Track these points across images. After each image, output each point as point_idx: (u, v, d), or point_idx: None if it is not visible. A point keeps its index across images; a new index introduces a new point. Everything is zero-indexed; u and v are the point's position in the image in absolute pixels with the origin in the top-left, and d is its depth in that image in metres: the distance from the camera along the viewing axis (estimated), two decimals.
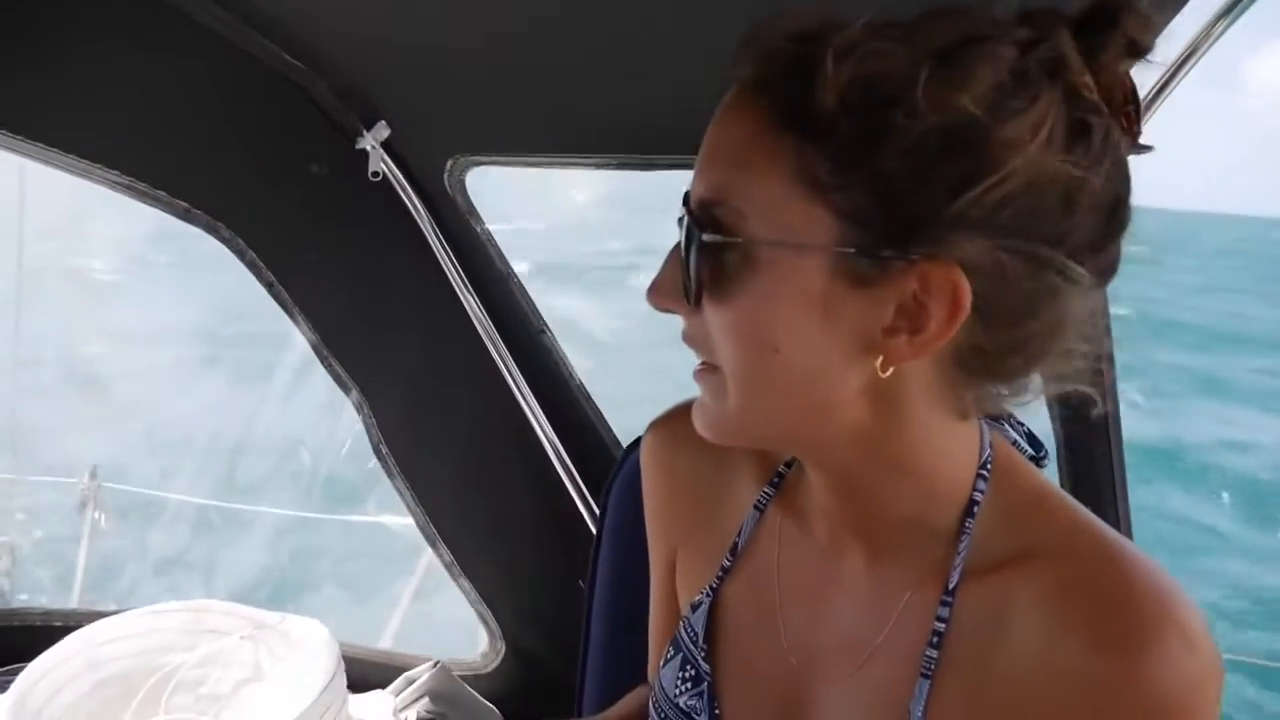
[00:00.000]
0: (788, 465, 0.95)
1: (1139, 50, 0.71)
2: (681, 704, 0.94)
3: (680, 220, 0.77)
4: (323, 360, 1.76)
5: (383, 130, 1.61)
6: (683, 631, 0.97)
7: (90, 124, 1.51)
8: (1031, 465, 0.87)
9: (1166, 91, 1.33)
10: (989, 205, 0.68)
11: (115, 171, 1.53)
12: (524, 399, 1.75)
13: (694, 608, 0.96)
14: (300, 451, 9.72)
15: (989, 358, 0.74)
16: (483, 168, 1.68)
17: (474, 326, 1.72)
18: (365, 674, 1.85)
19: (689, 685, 0.94)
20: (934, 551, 0.82)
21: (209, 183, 1.61)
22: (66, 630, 1.61)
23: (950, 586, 0.80)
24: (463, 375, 1.79)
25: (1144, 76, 0.76)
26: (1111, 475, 1.55)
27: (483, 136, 1.64)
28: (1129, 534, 1.58)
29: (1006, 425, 0.91)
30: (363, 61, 1.57)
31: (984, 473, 0.82)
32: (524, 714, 1.88)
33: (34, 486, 6.50)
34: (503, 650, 1.92)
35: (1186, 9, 1.22)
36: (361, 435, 1.82)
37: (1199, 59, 1.30)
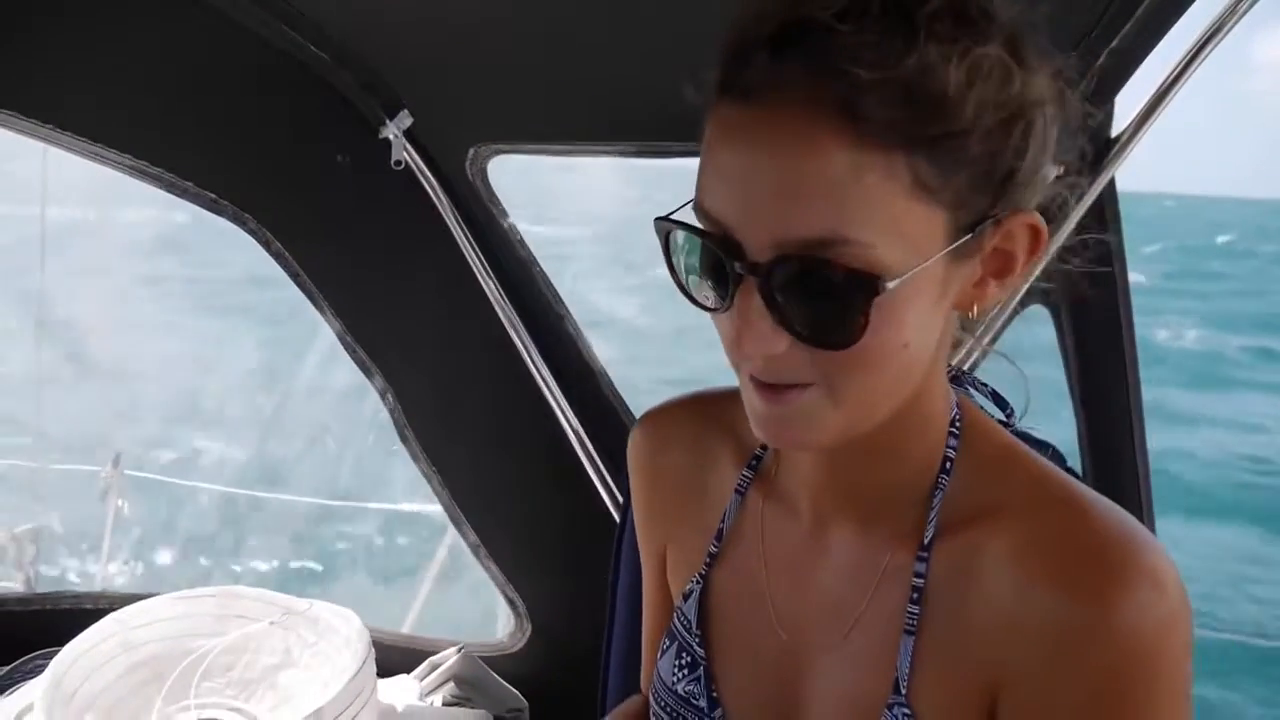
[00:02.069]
0: (764, 447, 0.97)
1: None
2: (680, 690, 0.96)
3: (752, 266, 0.70)
4: (347, 348, 1.78)
5: (405, 119, 1.62)
6: (677, 621, 0.99)
7: (118, 114, 1.53)
8: (995, 423, 0.90)
9: (1189, 72, 1.34)
10: (1043, 150, 0.74)
11: (143, 162, 1.54)
12: (546, 384, 1.76)
13: (685, 596, 0.98)
14: None
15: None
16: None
17: (496, 313, 1.74)
18: (390, 657, 1.88)
19: (685, 672, 0.96)
20: (910, 512, 0.84)
21: (235, 173, 1.63)
22: (97, 614, 1.63)
23: (925, 542, 0.82)
24: (485, 361, 1.80)
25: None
26: (1135, 469, 1.56)
27: (504, 125, 1.65)
28: (1152, 527, 1.59)
29: (971, 388, 0.93)
30: (385, 51, 1.58)
31: (954, 430, 0.85)
32: (548, 694, 1.90)
33: (57, 474, 6.56)
34: (529, 630, 1.94)
35: None
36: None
37: (1221, 39, 1.30)
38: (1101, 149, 1.43)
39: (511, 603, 1.94)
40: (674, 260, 0.78)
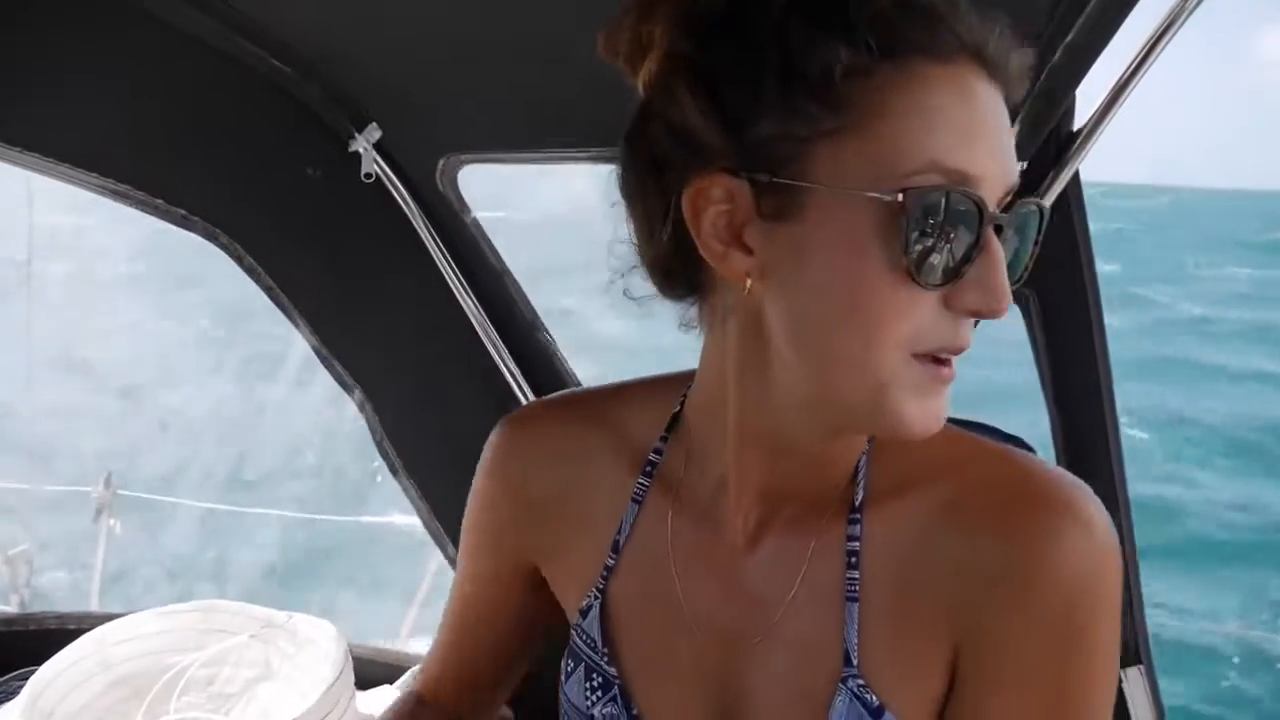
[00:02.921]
0: (658, 452, 0.92)
1: None
2: (596, 714, 0.92)
3: (1006, 209, 0.74)
4: (324, 361, 1.78)
5: (374, 132, 1.63)
6: (578, 640, 0.94)
7: (86, 134, 1.53)
8: None
9: (1149, 62, 1.35)
10: None
11: (111, 180, 1.54)
12: (522, 393, 1.77)
13: (583, 614, 0.94)
14: None
15: None
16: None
17: (470, 323, 1.74)
18: (374, 672, 1.87)
19: (599, 694, 0.92)
20: (835, 494, 0.84)
21: (205, 189, 1.63)
22: (80, 633, 1.63)
23: (856, 504, 0.82)
24: (462, 372, 1.80)
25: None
26: (1109, 461, 1.56)
27: (474, 135, 1.65)
28: (1129, 521, 1.59)
29: None
30: (352, 64, 1.58)
31: None
32: (534, 702, 1.91)
33: (50, 495, 6.56)
34: None
35: None
36: None
37: (1177, 30, 1.31)
38: (1064, 142, 1.44)
39: None
40: (915, 234, 0.70)
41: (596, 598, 0.93)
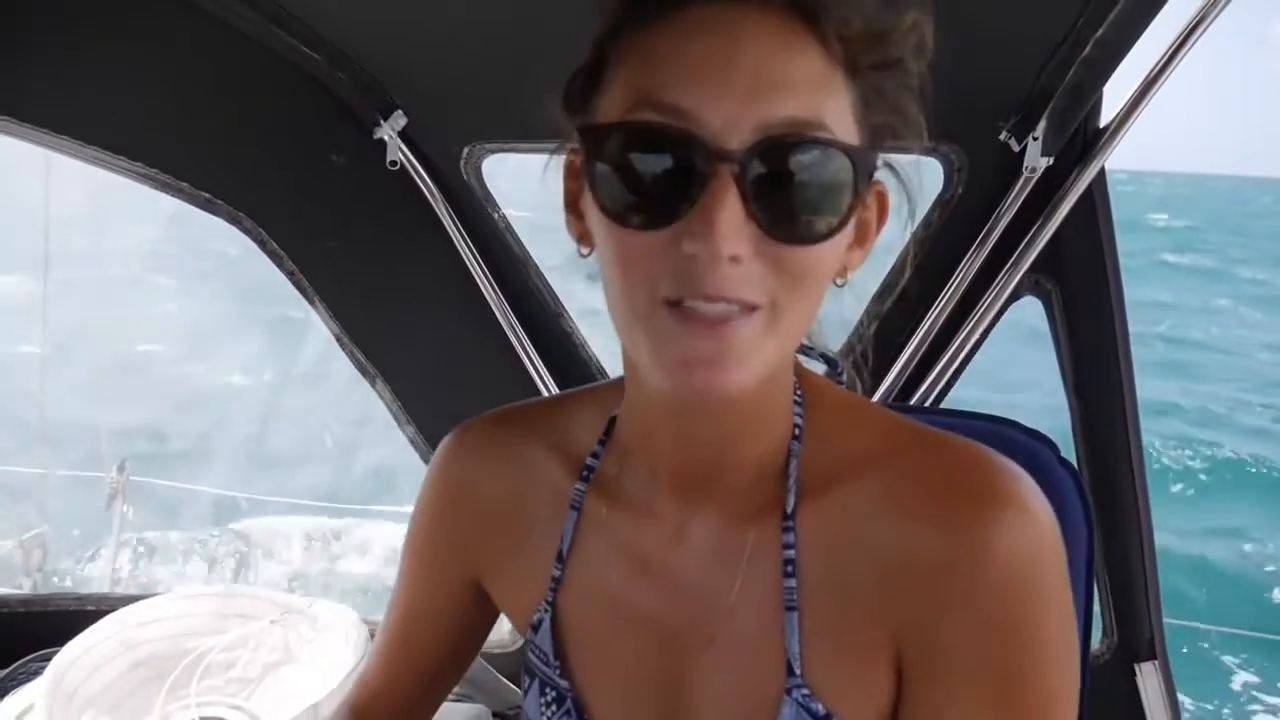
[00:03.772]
0: (595, 455, 0.90)
1: None
2: None
3: (726, 154, 0.66)
4: (345, 349, 1.79)
5: (400, 120, 1.63)
6: (532, 656, 0.93)
7: (114, 117, 1.54)
8: (828, 380, 0.88)
9: (1177, 59, 1.34)
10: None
11: (139, 164, 1.56)
12: (543, 380, 1.77)
13: (535, 628, 0.91)
14: None
15: None
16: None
17: (492, 311, 1.74)
18: None
19: (554, 708, 0.90)
20: (767, 487, 0.81)
21: (230, 174, 1.64)
22: (99, 615, 1.64)
23: (789, 511, 0.79)
24: (484, 359, 1.81)
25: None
26: (1129, 455, 1.56)
27: (498, 124, 1.66)
28: (1147, 510, 1.59)
29: (800, 355, 0.90)
30: (379, 52, 1.59)
31: (797, 397, 0.83)
32: None
33: (63, 480, 6.57)
34: None
35: None
36: None
37: (1209, 25, 1.31)
38: (1091, 138, 1.44)
39: None
40: (604, 175, 0.70)
41: (546, 610, 0.90)
